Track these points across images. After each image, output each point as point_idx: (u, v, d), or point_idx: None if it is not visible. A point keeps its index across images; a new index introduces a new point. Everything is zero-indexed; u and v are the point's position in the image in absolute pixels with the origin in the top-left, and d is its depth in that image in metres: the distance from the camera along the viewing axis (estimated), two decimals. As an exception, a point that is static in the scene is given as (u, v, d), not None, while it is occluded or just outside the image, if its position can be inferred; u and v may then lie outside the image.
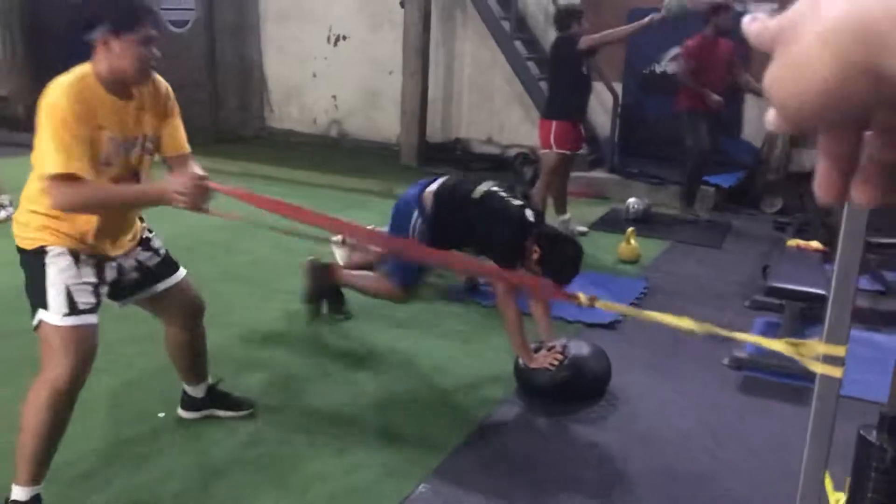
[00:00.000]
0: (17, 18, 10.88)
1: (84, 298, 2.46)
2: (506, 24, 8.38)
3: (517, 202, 3.60)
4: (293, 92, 10.37)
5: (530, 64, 8.40)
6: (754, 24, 0.46)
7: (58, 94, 2.32)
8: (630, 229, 5.73)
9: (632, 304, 4.72)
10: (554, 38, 6.00)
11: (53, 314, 2.42)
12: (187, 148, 2.68)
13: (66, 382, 2.39)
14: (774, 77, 0.44)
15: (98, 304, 2.53)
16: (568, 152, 5.91)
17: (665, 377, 3.79)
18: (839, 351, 1.75)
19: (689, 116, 6.74)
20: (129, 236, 2.67)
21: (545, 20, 8.78)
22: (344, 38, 9.89)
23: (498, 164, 8.83)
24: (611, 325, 4.37)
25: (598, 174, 7.99)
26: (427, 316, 4.40)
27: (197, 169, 2.57)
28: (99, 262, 2.56)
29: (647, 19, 5.63)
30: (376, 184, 7.71)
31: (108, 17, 2.37)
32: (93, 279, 2.51)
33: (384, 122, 9.73)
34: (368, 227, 3.55)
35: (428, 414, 3.35)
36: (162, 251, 2.81)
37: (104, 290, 2.60)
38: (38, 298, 2.44)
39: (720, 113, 6.74)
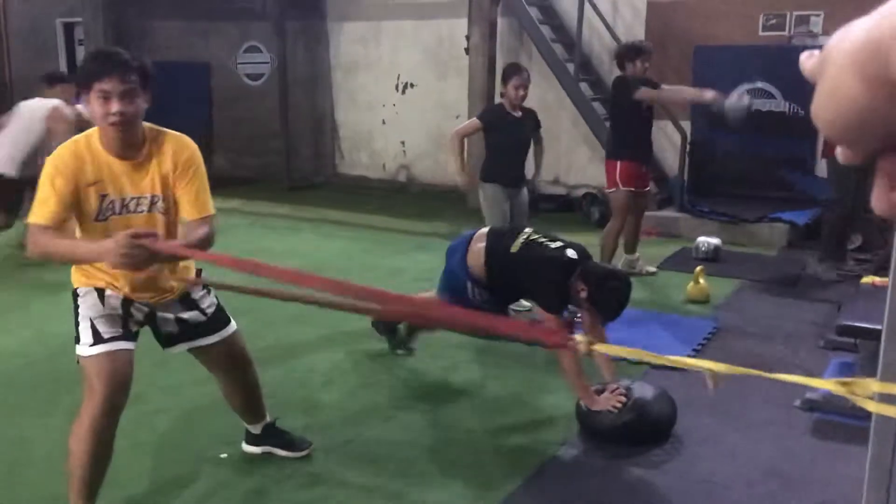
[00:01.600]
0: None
1: (106, 328, 2.55)
2: (570, 67, 8.42)
3: (556, 244, 3.61)
4: (363, 139, 10.61)
5: (596, 105, 8.40)
6: (809, 60, 0.50)
7: (60, 148, 2.48)
8: (699, 268, 5.61)
9: (699, 345, 4.61)
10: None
11: (83, 346, 2.56)
12: (198, 214, 2.58)
13: (101, 409, 2.49)
14: (815, 106, 0.48)
15: (126, 332, 2.59)
16: (634, 189, 5.88)
17: (733, 420, 3.67)
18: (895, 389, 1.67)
19: (841, 165, 6.12)
20: (159, 290, 2.68)
21: (609, 61, 8.78)
22: (412, 85, 10.10)
23: (565, 205, 8.81)
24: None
25: (668, 213, 7.88)
26: (489, 356, 4.39)
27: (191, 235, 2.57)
28: (125, 301, 2.62)
29: (709, 96, 5.40)
30: (444, 226, 7.80)
31: (77, 75, 2.41)
32: (118, 311, 2.59)
33: (452, 165, 9.83)
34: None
35: (486, 456, 3.33)
36: (210, 311, 2.82)
37: (133, 322, 2.65)
38: (75, 336, 2.59)
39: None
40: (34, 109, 6.07)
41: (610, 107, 6.21)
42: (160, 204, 2.56)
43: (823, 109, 0.48)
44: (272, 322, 4.87)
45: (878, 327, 3.70)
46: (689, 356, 4.41)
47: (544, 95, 9.14)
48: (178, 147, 2.58)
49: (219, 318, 2.85)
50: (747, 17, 7.89)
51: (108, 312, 2.57)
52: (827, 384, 1.93)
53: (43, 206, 2.42)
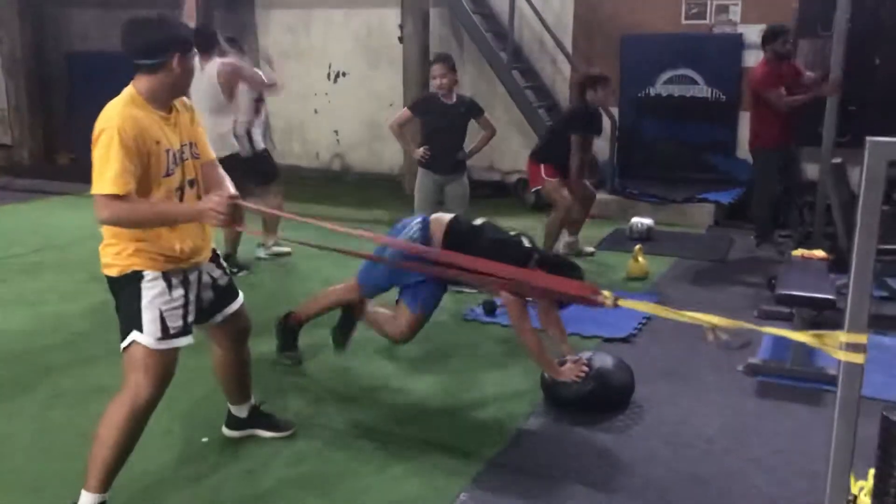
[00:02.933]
0: (22, 69, 11.12)
1: (175, 323, 2.62)
2: (503, 55, 8.60)
3: (513, 232, 3.85)
4: (295, 128, 10.57)
5: (528, 92, 8.62)
6: None
7: (114, 116, 2.47)
8: (637, 247, 5.90)
9: (645, 319, 4.87)
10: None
11: (148, 337, 2.58)
12: (211, 156, 2.83)
13: (147, 401, 2.59)
14: None
15: (185, 326, 2.67)
16: (561, 178, 6.08)
17: (684, 385, 3.93)
18: (860, 339, 1.90)
19: (764, 155, 6.30)
20: (209, 245, 2.81)
21: (539, 49, 9.02)
22: (344, 74, 10.12)
23: (498, 190, 9.02)
24: (627, 339, 4.51)
25: (600, 196, 8.14)
26: (448, 338, 4.53)
27: (230, 187, 2.75)
28: (185, 282, 2.67)
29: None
30: (383, 213, 7.89)
31: (178, 42, 2.60)
32: (182, 301, 2.65)
33: (387, 153, 9.93)
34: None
35: (460, 428, 3.48)
36: (227, 272, 2.97)
37: (192, 310, 2.71)
38: (131, 320, 2.59)
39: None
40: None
41: (561, 123, 6.37)
42: (194, 149, 2.74)
43: None
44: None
45: (813, 295, 4.01)
46: (636, 328, 4.69)
47: (477, 83, 9.32)
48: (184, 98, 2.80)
49: (233, 284, 3.00)
50: (670, 6, 8.23)
51: (175, 305, 2.62)
52: (802, 336, 2.16)
53: (117, 175, 2.41)
